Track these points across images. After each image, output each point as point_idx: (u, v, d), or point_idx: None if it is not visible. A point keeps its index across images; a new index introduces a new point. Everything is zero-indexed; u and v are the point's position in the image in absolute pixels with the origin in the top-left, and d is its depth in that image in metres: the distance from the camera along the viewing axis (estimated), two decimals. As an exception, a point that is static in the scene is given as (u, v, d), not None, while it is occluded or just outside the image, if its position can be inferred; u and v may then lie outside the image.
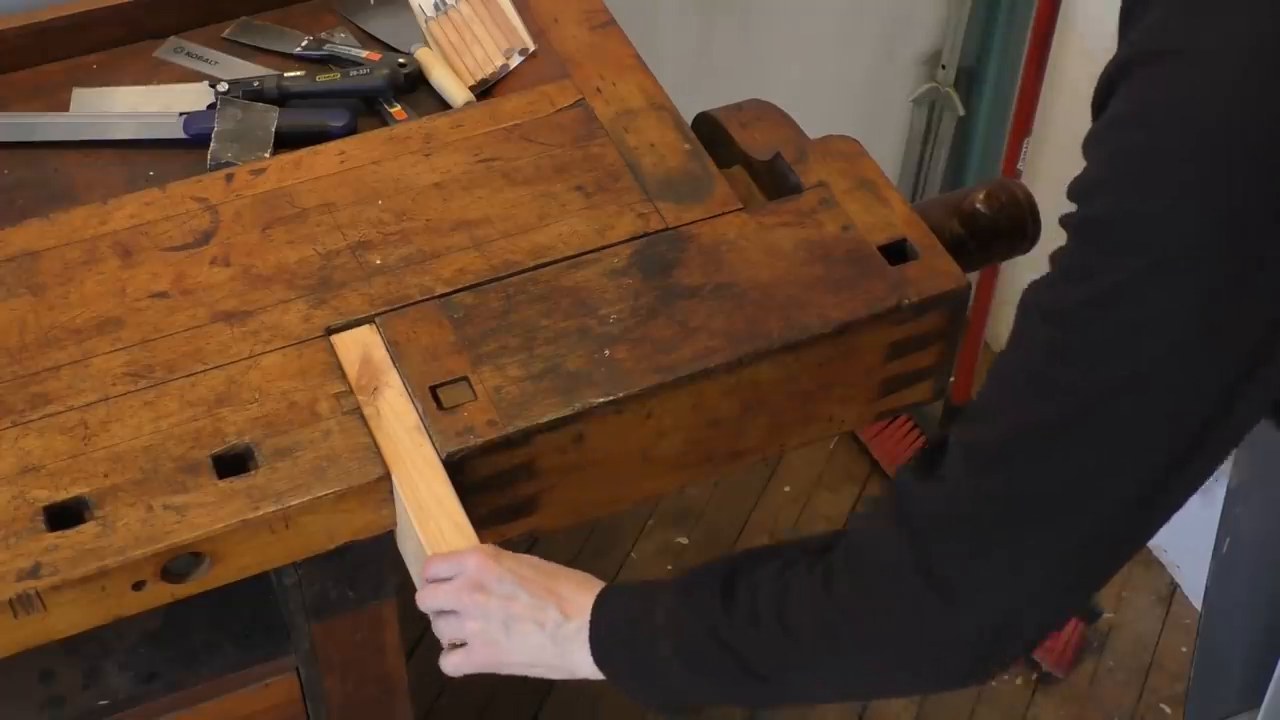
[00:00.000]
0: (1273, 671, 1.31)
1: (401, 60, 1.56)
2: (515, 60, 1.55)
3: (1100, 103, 0.92)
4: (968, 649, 0.98)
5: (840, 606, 1.02)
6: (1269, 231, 0.84)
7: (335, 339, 1.28)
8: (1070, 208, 0.93)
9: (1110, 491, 0.92)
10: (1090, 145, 0.91)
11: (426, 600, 1.16)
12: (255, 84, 1.51)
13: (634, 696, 1.15)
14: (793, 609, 1.04)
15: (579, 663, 1.14)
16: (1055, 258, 0.94)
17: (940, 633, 0.98)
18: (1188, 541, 1.83)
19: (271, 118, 1.49)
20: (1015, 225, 1.42)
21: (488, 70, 1.55)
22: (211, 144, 1.47)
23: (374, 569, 1.28)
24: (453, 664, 1.17)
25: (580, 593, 1.13)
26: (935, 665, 1.00)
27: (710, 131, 1.48)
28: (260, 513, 1.16)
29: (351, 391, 1.24)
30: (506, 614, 1.13)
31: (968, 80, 2.30)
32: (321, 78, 1.53)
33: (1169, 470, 0.91)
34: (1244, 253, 0.84)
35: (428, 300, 1.31)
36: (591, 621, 1.12)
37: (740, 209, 1.39)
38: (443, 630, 1.17)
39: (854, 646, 1.03)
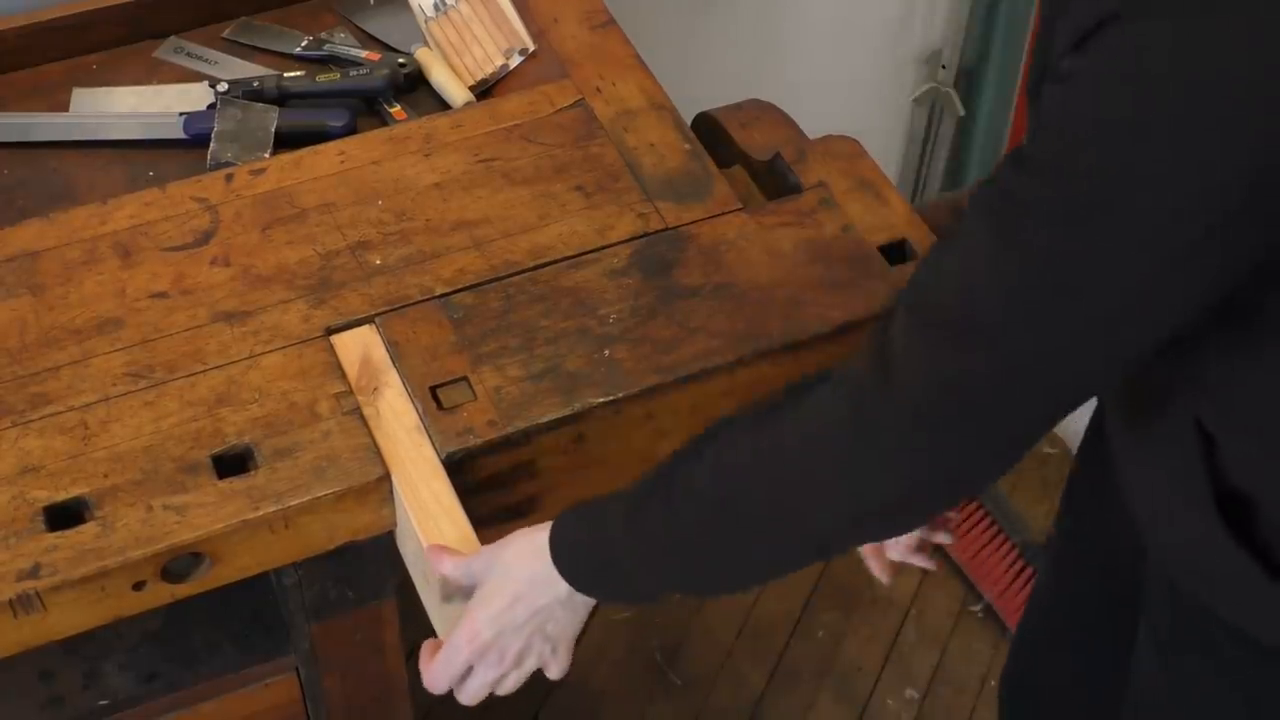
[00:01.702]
0: None
1: (401, 60, 1.56)
2: (515, 60, 1.55)
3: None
4: (911, 421, 0.98)
5: (776, 430, 1.03)
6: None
7: (335, 339, 1.28)
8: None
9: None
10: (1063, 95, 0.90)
11: (440, 684, 1.16)
12: (255, 84, 1.51)
13: (612, 601, 1.15)
14: (726, 459, 1.05)
15: (568, 599, 1.13)
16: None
17: (879, 408, 0.98)
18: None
19: (271, 118, 1.49)
20: (1015, 225, 1.42)
21: (488, 70, 1.55)
22: (211, 144, 1.47)
23: (374, 569, 1.28)
24: (505, 690, 1.17)
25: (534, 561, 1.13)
26: (874, 447, 1.00)
27: (710, 131, 1.49)
28: (260, 513, 1.16)
29: (351, 391, 1.24)
30: (518, 652, 1.14)
31: (968, 80, 2.30)
32: (321, 78, 1.53)
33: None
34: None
35: (428, 300, 1.31)
36: (554, 556, 1.11)
37: (740, 209, 1.39)
38: (473, 693, 1.16)
39: (794, 453, 1.02)
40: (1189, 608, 1.17)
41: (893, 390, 0.97)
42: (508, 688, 1.16)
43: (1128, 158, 0.85)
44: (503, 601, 1.12)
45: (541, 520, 1.28)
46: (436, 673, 1.15)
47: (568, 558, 1.11)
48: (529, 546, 1.12)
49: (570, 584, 1.11)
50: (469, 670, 1.15)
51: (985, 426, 0.97)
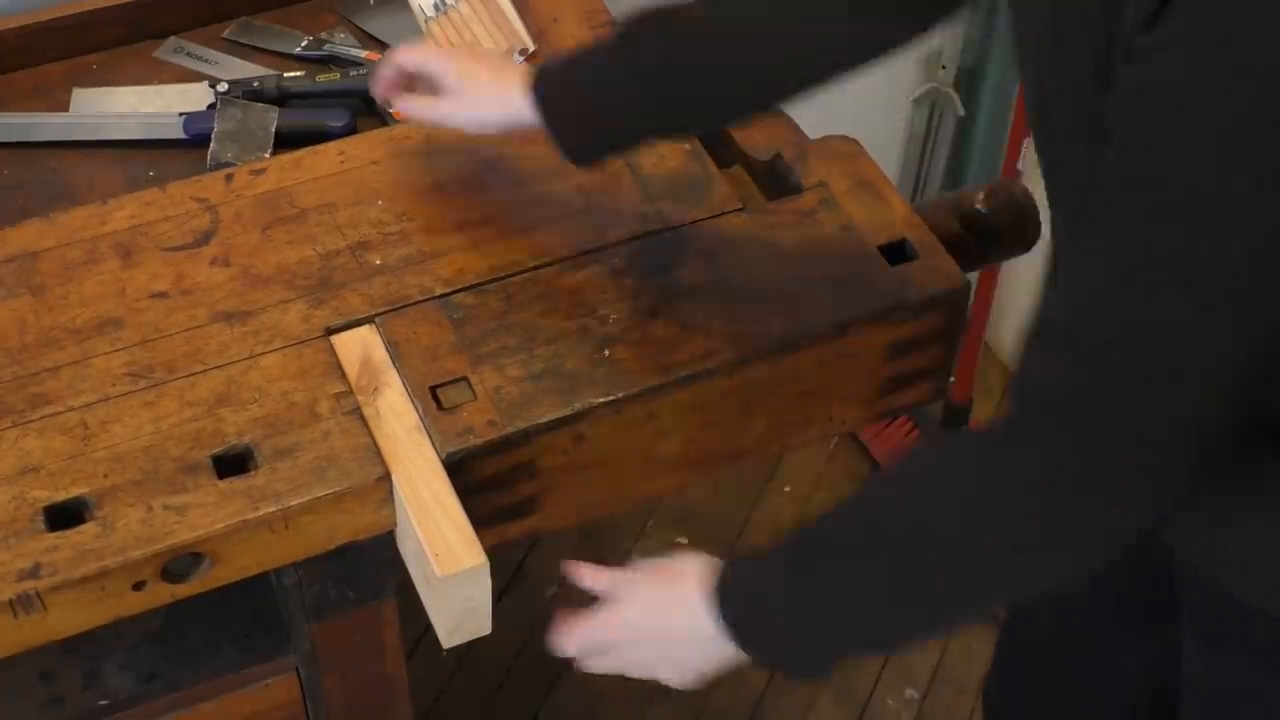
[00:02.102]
0: None
1: (401, 60, 1.56)
2: (515, 60, 1.55)
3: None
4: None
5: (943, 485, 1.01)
6: None
7: (335, 339, 1.28)
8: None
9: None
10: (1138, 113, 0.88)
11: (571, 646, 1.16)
12: (255, 84, 1.51)
13: (781, 667, 1.12)
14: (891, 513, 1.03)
15: (721, 652, 1.11)
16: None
17: (1022, 445, 0.96)
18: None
19: (271, 118, 1.49)
20: (1015, 225, 1.42)
21: (488, 70, 1.55)
22: (211, 144, 1.47)
23: (374, 569, 1.28)
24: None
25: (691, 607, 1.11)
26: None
27: (710, 131, 1.48)
28: (260, 513, 1.16)
29: (351, 392, 1.24)
30: (646, 664, 1.14)
31: (968, 80, 2.30)
32: (321, 78, 1.53)
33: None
34: None
35: (428, 300, 1.31)
36: (719, 610, 1.08)
37: (740, 209, 1.39)
38: (600, 669, 1.16)
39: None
40: (1236, 607, 1.16)
41: (1032, 422, 0.96)
42: (634, 668, 1.16)
43: (1240, 133, 0.84)
44: (645, 625, 1.12)
45: (541, 520, 1.28)
46: (569, 643, 1.15)
47: (737, 621, 1.08)
48: (682, 604, 1.10)
49: (748, 653, 1.09)
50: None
51: (1134, 439, 0.94)
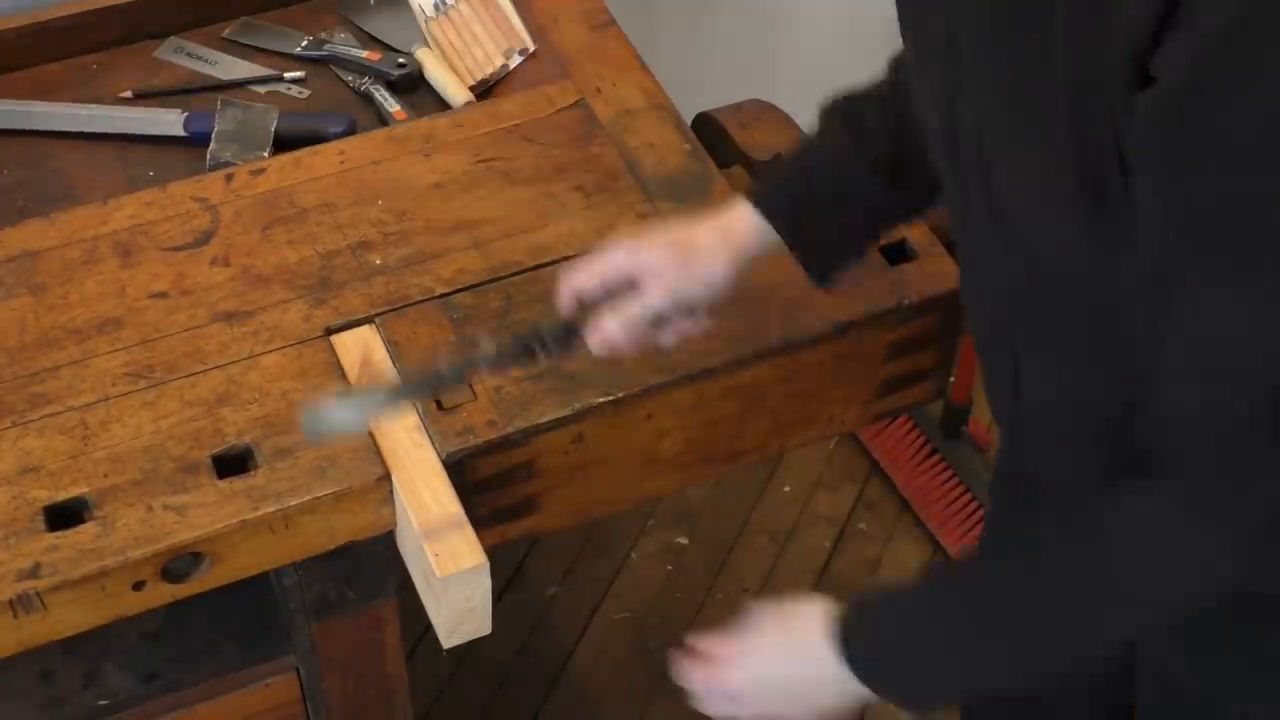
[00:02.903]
0: None
1: (401, 60, 1.56)
2: (515, 60, 1.55)
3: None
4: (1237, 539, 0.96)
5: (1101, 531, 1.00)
6: None
7: (335, 339, 1.28)
8: None
9: None
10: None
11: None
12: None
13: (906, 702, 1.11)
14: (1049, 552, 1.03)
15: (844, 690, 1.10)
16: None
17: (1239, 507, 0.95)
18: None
19: (271, 118, 1.49)
20: (1015, 225, 1.42)
21: (488, 70, 1.55)
22: (211, 144, 1.47)
23: (374, 569, 1.28)
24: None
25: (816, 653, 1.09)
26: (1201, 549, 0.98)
27: (710, 131, 1.49)
28: (260, 513, 1.16)
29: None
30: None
31: (968, 80, 2.30)
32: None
33: None
34: None
35: (428, 300, 1.31)
36: (844, 647, 1.08)
37: (740, 209, 1.39)
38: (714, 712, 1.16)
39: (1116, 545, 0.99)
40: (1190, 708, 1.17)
41: (1253, 493, 0.95)
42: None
43: None
44: (771, 674, 1.11)
45: (541, 520, 1.28)
46: (695, 686, 1.14)
47: (865, 661, 1.07)
48: (806, 650, 1.09)
49: (869, 685, 1.08)
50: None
51: None
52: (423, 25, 1.61)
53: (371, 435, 1.21)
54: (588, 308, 1.13)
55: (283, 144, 1.48)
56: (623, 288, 1.13)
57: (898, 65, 1.21)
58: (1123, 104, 0.86)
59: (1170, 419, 0.96)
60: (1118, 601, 1.01)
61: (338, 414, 1.14)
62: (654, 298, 1.12)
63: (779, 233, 1.16)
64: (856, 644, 1.07)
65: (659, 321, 1.14)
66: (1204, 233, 0.87)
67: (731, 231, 1.16)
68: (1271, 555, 0.99)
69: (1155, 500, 0.98)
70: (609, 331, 1.12)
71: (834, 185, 1.18)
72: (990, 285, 1.09)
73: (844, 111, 1.19)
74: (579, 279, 1.14)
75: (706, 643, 1.14)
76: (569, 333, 1.13)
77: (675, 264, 1.13)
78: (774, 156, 1.43)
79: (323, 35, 1.61)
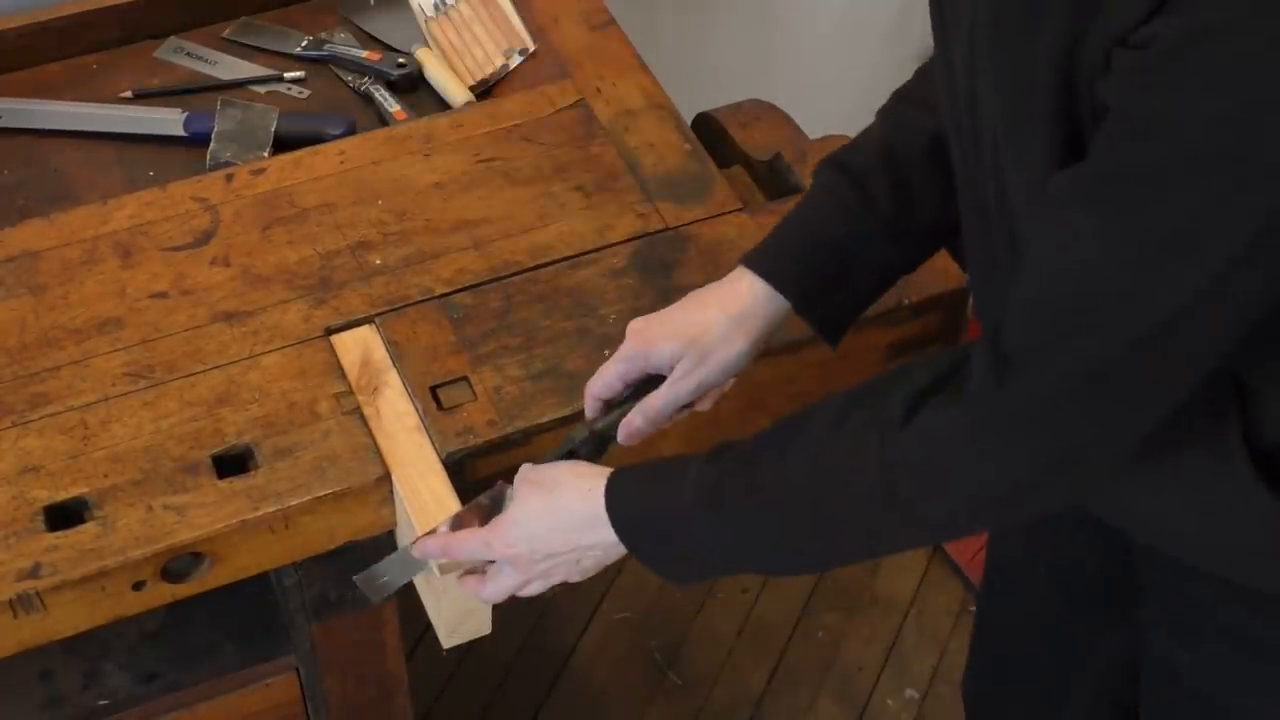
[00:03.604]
0: None
1: (401, 60, 1.56)
2: (515, 60, 1.55)
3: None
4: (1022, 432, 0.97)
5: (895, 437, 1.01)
6: None
7: (335, 339, 1.28)
8: None
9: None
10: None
11: (486, 591, 1.14)
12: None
13: (664, 574, 1.13)
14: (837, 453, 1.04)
15: (612, 546, 1.11)
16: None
17: (1006, 406, 0.97)
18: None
19: (271, 118, 1.49)
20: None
21: (488, 70, 1.55)
22: (211, 144, 1.47)
23: (374, 569, 1.28)
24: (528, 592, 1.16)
25: (589, 500, 1.11)
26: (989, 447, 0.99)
27: (710, 131, 1.49)
28: (260, 513, 1.16)
29: (351, 391, 1.24)
30: (545, 571, 1.12)
31: (968, 80, 2.30)
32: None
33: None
34: None
35: (428, 300, 1.31)
36: (615, 523, 1.09)
37: (740, 209, 1.39)
38: (493, 594, 1.15)
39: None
40: (1207, 593, 1.16)
41: (1019, 386, 0.96)
42: (529, 593, 1.14)
43: (1251, 99, 0.83)
44: (543, 524, 1.10)
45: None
46: (462, 548, 1.13)
47: (630, 528, 1.09)
48: (581, 488, 1.10)
49: (631, 551, 1.09)
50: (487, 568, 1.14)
51: (1120, 403, 0.96)
52: (423, 25, 1.61)
53: (372, 435, 1.21)
54: (613, 405, 1.17)
55: (283, 144, 1.48)
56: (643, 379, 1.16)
57: (888, 119, 1.20)
58: (1104, 63, 0.88)
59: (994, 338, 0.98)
60: (888, 507, 1.02)
61: (392, 568, 1.15)
62: (677, 395, 1.15)
63: (791, 303, 1.16)
64: (624, 511, 1.08)
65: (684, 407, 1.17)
66: (1094, 158, 0.90)
67: (742, 315, 1.16)
68: (1057, 489, 1.00)
69: (950, 416, 0.99)
70: (637, 428, 1.16)
71: (842, 253, 1.17)
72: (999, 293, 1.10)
73: (843, 174, 1.18)
74: (600, 388, 1.17)
75: (468, 523, 1.14)
76: (602, 441, 1.17)
77: (693, 359, 1.14)
78: (774, 156, 1.44)
79: (323, 35, 1.61)
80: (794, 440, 1.06)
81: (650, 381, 1.16)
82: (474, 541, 1.12)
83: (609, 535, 1.09)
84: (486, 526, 1.13)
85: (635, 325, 1.16)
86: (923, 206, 1.17)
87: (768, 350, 1.27)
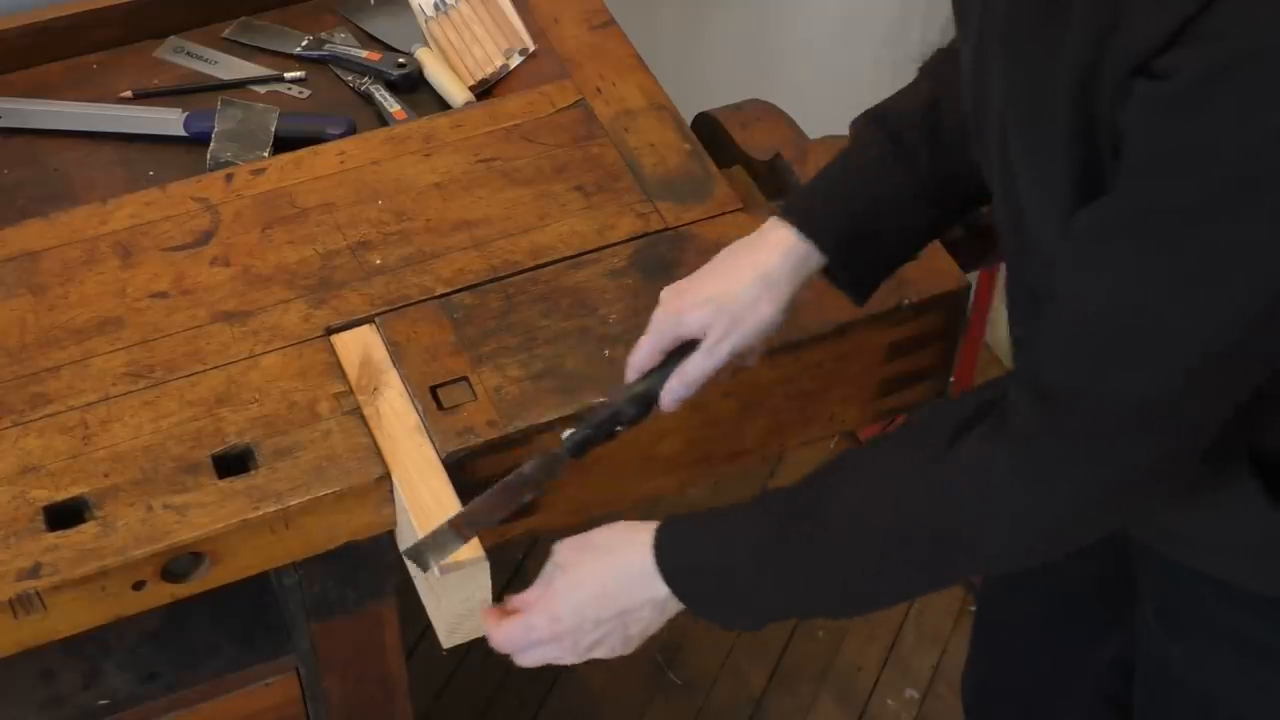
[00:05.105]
0: None
1: (401, 60, 1.56)
2: (515, 60, 1.55)
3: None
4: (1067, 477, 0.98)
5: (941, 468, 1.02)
6: None
7: (335, 339, 1.28)
8: None
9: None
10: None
11: (523, 659, 1.14)
12: None
13: (719, 621, 1.13)
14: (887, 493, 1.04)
15: (663, 603, 1.11)
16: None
17: (1049, 440, 0.97)
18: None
19: (272, 118, 1.49)
20: (1015, 225, 1.42)
21: (488, 70, 1.55)
22: (211, 144, 1.47)
23: (374, 569, 1.28)
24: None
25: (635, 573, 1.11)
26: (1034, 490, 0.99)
27: (710, 131, 1.49)
28: (260, 513, 1.16)
29: (351, 391, 1.24)
30: (591, 643, 1.12)
31: (968, 80, 2.30)
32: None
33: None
34: None
35: (428, 300, 1.31)
36: (666, 574, 1.09)
37: (740, 209, 1.39)
38: (531, 662, 1.15)
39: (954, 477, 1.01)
40: (1204, 594, 1.16)
41: (1066, 422, 0.96)
42: (567, 662, 1.14)
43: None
44: (589, 592, 1.10)
45: (541, 520, 1.28)
46: (505, 640, 1.12)
47: (685, 578, 1.08)
48: (628, 543, 1.10)
49: (682, 599, 1.09)
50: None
51: (1172, 433, 0.95)
52: (423, 25, 1.61)
53: (372, 435, 1.21)
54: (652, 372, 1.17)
55: (283, 144, 1.48)
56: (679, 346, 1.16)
57: (930, 73, 1.20)
58: (1123, 90, 0.88)
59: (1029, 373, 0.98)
60: (940, 542, 1.02)
61: (437, 541, 1.15)
62: (713, 360, 1.15)
63: (826, 257, 1.16)
64: (676, 560, 1.08)
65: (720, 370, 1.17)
66: (1129, 192, 0.90)
67: (770, 277, 1.15)
68: (1105, 520, 1.02)
69: (995, 450, 0.99)
70: (676, 394, 1.15)
71: (878, 209, 1.17)
72: (1015, 269, 1.11)
73: (881, 128, 1.18)
74: (638, 360, 1.17)
75: (518, 598, 1.13)
76: (645, 404, 1.16)
77: (724, 324, 1.14)
78: (774, 156, 1.43)
79: (323, 35, 1.61)
80: (844, 481, 1.06)
81: (691, 345, 1.16)
82: (516, 629, 1.12)
83: (659, 590, 1.09)
84: (530, 605, 1.12)
85: (666, 294, 1.16)
86: (956, 166, 1.17)
87: (767, 349, 1.28)
